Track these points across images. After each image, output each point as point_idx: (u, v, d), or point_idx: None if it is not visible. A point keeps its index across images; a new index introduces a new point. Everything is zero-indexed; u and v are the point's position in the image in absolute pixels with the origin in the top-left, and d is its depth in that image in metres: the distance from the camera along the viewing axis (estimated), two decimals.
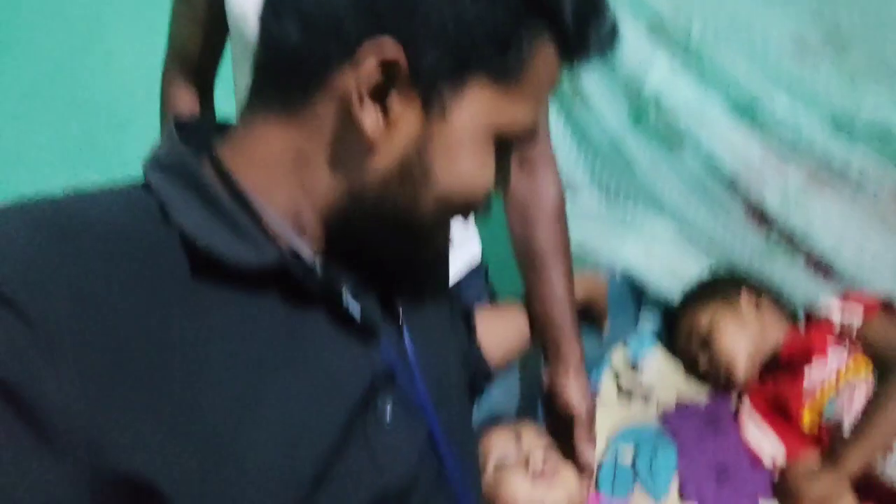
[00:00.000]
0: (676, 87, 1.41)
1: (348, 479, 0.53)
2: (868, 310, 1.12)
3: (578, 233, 1.48)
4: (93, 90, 1.75)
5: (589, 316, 1.27)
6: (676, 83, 1.41)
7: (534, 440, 0.94)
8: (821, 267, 1.30)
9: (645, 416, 1.16)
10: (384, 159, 0.52)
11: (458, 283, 1.19)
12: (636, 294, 1.43)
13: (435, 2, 0.48)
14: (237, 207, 0.51)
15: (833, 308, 1.15)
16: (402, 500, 0.56)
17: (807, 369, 1.10)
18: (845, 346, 1.10)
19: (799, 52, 1.31)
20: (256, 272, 0.50)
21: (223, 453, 0.46)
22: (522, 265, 1.04)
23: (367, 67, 0.48)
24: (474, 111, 0.51)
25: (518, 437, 0.94)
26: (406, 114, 0.51)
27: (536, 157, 1.04)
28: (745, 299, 1.22)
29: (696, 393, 1.21)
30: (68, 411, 0.41)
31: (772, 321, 1.20)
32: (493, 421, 1.02)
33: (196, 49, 1.03)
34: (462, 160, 0.53)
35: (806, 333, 1.16)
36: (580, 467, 0.94)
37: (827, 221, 1.27)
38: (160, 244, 0.48)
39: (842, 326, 1.12)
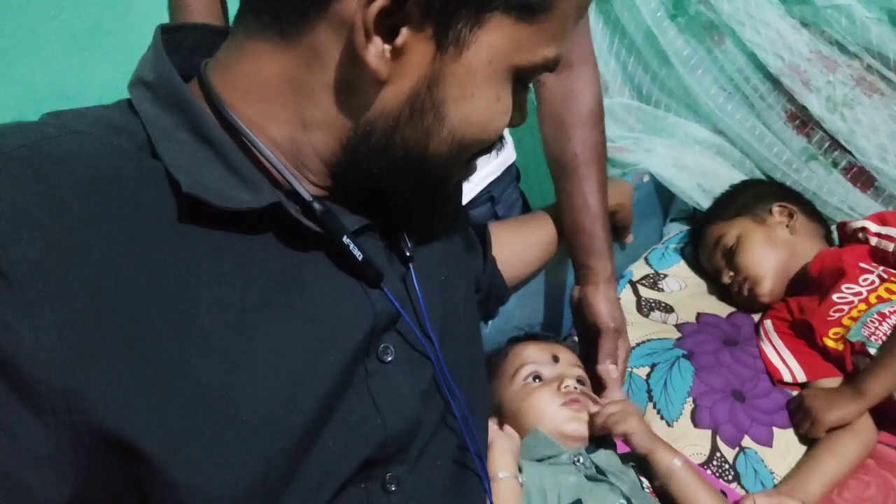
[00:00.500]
0: None
1: (350, 424, 0.51)
2: None
3: (610, 132, 1.42)
4: None
5: (613, 224, 1.22)
6: None
7: (571, 365, 0.93)
8: (861, 178, 1.22)
9: (664, 331, 1.13)
10: (392, 95, 0.47)
11: (490, 189, 1.15)
12: (663, 203, 1.37)
13: None
14: (229, 140, 0.47)
15: (869, 227, 1.08)
16: (406, 443, 0.55)
17: (835, 292, 1.05)
18: (879, 268, 1.05)
19: None
20: (250, 214, 0.47)
21: (213, 408, 0.44)
22: (555, 172, 0.99)
23: None
24: (493, 49, 0.47)
25: (555, 358, 0.93)
26: (417, 48, 0.46)
27: (573, 56, 0.96)
28: (777, 213, 1.16)
29: (718, 309, 1.18)
30: (46, 366, 0.39)
31: (803, 238, 1.14)
32: (527, 335, 0.99)
33: None
34: (477, 99, 0.48)
35: (838, 253, 1.10)
36: (603, 383, 0.93)
37: (873, 129, 1.18)
38: (144, 181, 0.45)
39: (876, 247, 1.06)
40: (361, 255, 0.51)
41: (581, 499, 0.75)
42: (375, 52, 0.45)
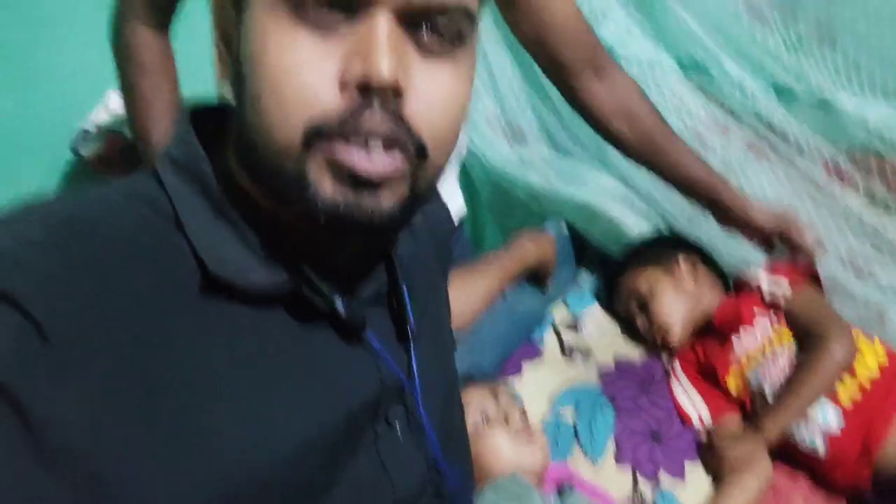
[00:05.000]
0: (630, 40, 1.41)
1: (361, 487, 0.54)
2: (794, 281, 1.20)
3: (528, 181, 1.51)
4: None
5: (536, 273, 1.31)
6: (630, 36, 1.41)
7: (510, 400, 0.99)
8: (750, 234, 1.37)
9: (586, 375, 1.23)
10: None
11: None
12: (576, 249, 1.48)
13: None
14: (246, 226, 0.50)
15: (761, 278, 1.23)
16: None
17: (734, 337, 1.19)
18: (771, 315, 1.19)
19: (749, 17, 1.32)
20: (266, 293, 0.50)
21: (226, 469, 0.46)
22: (648, 153, 1.14)
23: None
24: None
25: (495, 396, 0.99)
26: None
27: (606, 63, 1.11)
28: (684, 265, 1.29)
29: (633, 352, 1.30)
30: (72, 438, 0.40)
31: (707, 288, 1.27)
32: (467, 380, 1.05)
33: None
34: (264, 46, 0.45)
35: (736, 301, 1.24)
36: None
37: (762, 189, 1.33)
38: (171, 252, 0.48)
39: (769, 296, 1.20)
40: (345, 312, 0.53)
41: None
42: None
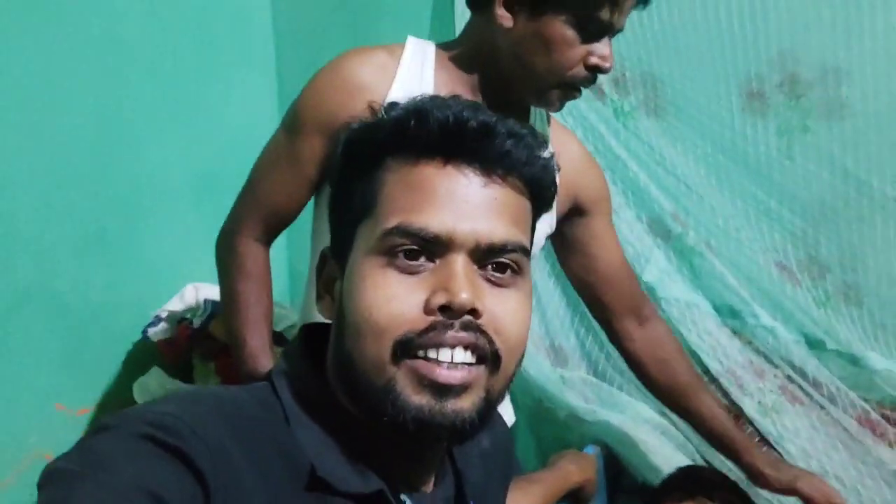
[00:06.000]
0: (670, 283, 1.55)
1: None
2: None
3: (569, 401, 1.58)
4: None
5: (577, 496, 1.34)
6: (670, 279, 1.55)
7: None
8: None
9: None
10: None
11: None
12: (613, 474, 1.51)
13: None
14: (343, 431, 0.59)
15: None
16: None
17: None
18: None
19: (779, 274, 1.46)
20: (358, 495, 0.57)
21: None
22: (675, 400, 1.27)
23: None
24: None
25: None
26: None
27: (649, 313, 1.27)
28: (718, 500, 1.31)
29: None
30: None
31: None
32: None
33: (290, 210, 1.07)
34: None
35: None
36: None
37: (797, 434, 1.39)
38: (289, 446, 0.57)
39: None
40: None
41: None
42: None
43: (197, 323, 1.81)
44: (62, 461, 0.47)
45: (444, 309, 0.55)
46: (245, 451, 0.53)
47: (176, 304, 1.83)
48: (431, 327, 0.55)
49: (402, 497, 0.61)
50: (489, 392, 0.58)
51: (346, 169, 0.63)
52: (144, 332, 1.81)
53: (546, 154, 0.61)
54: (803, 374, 1.42)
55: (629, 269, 1.28)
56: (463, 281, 0.55)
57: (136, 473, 0.46)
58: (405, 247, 0.56)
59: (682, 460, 1.47)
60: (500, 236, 0.58)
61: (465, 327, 0.55)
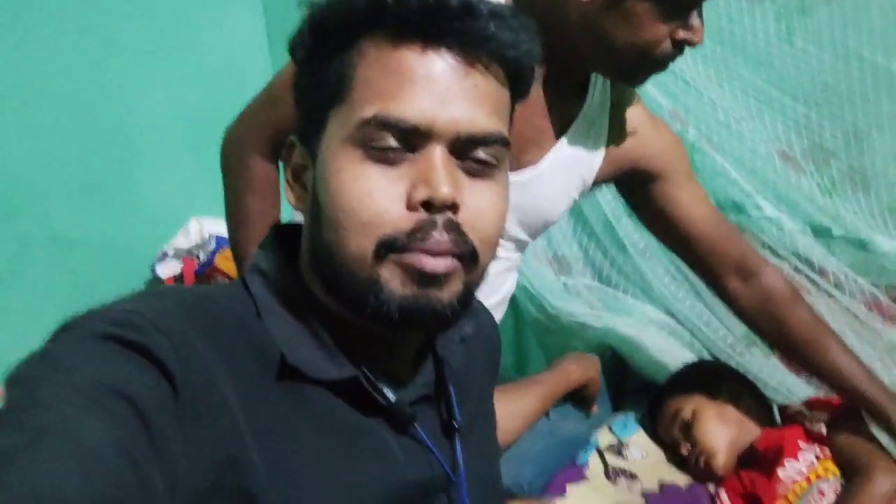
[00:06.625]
0: None
1: None
2: (834, 414, 1.21)
3: (573, 308, 1.58)
4: None
5: (579, 396, 1.35)
6: None
7: None
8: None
9: (631, 499, 1.23)
10: None
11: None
12: (620, 375, 1.51)
13: None
14: (319, 325, 0.59)
15: (802, 410, 1.24)
16: None
17: (779, 468, 1.18)
18: (816, 448, 1.19)
19: (783, 164, 1.42)
20: (331, 383, 0.57)
21: None
22: (793, 354, 1.20)
23: None
24: None
25: None
26: None
27: (755, 267, 1.17)
28: (727, 392, 1.31)
29: (680, 479, 1.29)
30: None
31: (750, 416, 1.28)
32: (510, 496, 1.07)
33: None
34: None
35: (780, 433, 1.24)
36: None
37: None
38: (262, 339, 0.57)
39: (810, 429, 1.21)
40: (393, 401, 0.60)
41: None
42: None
43: (203, 257, 1.82)
44: (24, 367, 0.46)
45: (426, 204, 0.54)
46: (212, 345, 0.52)
47: (181, 240, 1.85)
48: (416, 229, 0.54)
49: (380, 386, 0.60)
50: (467, 284, 0.58)
51: (316, 48, 0.60)
52: (153, 269, 1.83)
53: (529, 36, 0.58)
54: (809, 264, 1.39)
55: (722, 224, 1.17)
56: (443, 174, 0.54)
57: (99, 372, 0.45)
58: (383, 140, 0.54)
59: (690, 358, 1.47)
60: (480, 127, 0.56)
61: (447, 229, 0.55)
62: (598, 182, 1.11)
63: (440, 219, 0.54)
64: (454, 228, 0.55)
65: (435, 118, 0.54)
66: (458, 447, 0.66)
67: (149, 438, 0.44)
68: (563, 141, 1.04)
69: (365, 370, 0.59)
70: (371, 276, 0.55)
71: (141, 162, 1.85)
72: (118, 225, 1.79)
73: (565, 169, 1.05)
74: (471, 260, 0.57)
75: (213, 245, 1.83)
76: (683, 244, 1.15)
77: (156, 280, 1.83)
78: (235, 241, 1.06)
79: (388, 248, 0.54)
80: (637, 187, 1.14)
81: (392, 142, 0.54)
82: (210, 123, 1.69)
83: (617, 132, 1.08)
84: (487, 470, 0.73)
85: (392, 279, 0.55)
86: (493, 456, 0.77)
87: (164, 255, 1.84)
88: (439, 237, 0.54)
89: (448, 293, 0.56)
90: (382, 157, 0.55)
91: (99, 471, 0.40)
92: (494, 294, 1.18)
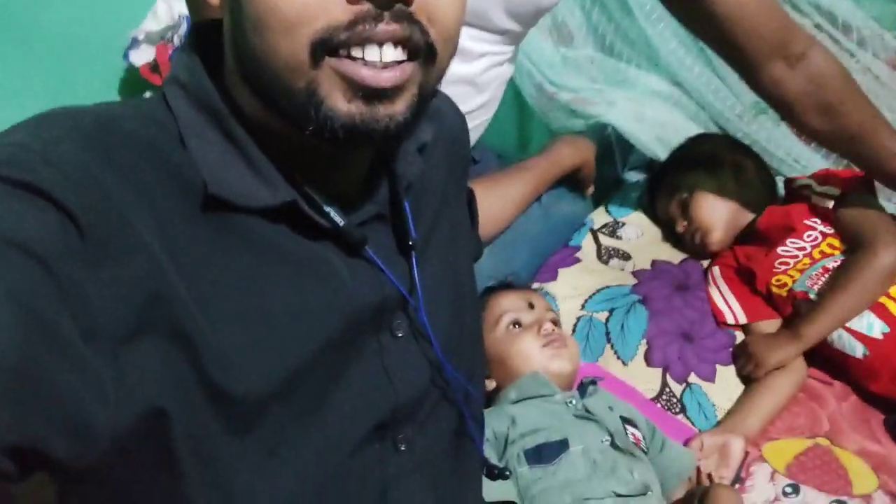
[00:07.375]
0: None
1: (363, 391, 0.57)
2: (846, 186, 1.15)
3: (573, 83, 1.47)
4: None
5: (575, 178, 1.29)
6: None
7: (545, 310, 1.02)
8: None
9: (622, 278, 1.22)
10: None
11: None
12: (621, 153, 1.44)
13: None
14: (250, 141, 0.51)
15: (812, 185, 1.17)
16: (414, 409, 0.62)
17: (781, 245, 1.15)
18: (821, 224, 1.14)
19: None
20: (266, 210, 0.51)
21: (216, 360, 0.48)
22: (846, 148, 1.08)
23: None
24: None
25: (531, 305, 1.01)
26: None
27: (800, 48, 1.01)
28: (730, 167, 1.24)
29: (674, 256, 1.27)
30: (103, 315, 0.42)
31: (752, 191, 1.23)
32: (503, 286, 1.07)
33: None
34: None
35: (786, 209, 1.19)
36: None
37: None
38: (176, 168, 0.49)
39: (816, 205, 1.15)
40: (342, 225, 0.54)
41: (567, 438, 0.84)
42: None
43: (177, 41, 1.70)
44: None
45: None
46: (121, 176, 0.45)
47: (151, 23, 1.71)
48: (357, 21, 0.44)
49: (327, 209, 0.54)
50: (423, 88, 0.49)
51: None
52: (126, 56, 1.72)
53: None
54: (832, 19, 1.25)
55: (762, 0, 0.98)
56: None
57: None
58: None
59: (695, 130, 1.38)
60: None
61: (396, 17, 0.45)
62: None
63: (387, 12, 0.45)
64: (406, 17, 0.45)
65: None
66: (415, 265, 0.61)
67: (55, 286, 0.39)
68: None
69: (308, 191, 0.53)
70: (309, 87, 0.46)
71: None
72: (82, 14, 1.65)
73: None
74: (427, 56, 0.48)
75: (185, 26, 1.69)
76: (717, 28, 0.98)
77: (130, 69, 1.72)
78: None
79: (324, 47, 0.45)
80: None
81: None
82: None
83: None
84: (452, 283, 0.68)
85: (332, 91, 0.46)
86: (463, 266, 0.72)
87: (136, 41, 1.71)
88: (386, 26, 0.45)
89: (401, 105, 0.48)
90: None
91: None
92: (479, 94, 1.08)
